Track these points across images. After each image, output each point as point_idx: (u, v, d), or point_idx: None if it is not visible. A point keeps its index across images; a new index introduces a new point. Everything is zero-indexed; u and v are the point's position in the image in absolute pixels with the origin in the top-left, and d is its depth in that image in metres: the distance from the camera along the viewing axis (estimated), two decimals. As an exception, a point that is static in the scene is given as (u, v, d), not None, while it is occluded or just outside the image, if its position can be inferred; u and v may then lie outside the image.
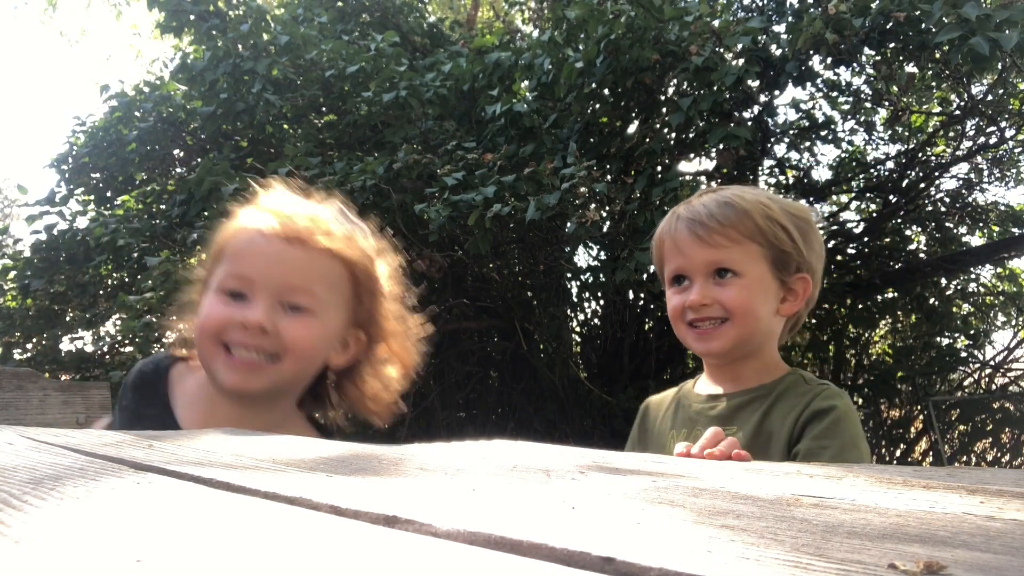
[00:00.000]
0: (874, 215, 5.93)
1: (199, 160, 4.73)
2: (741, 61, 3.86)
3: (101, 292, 4.99)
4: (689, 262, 1.35)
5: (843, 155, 5.78)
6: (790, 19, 4.31)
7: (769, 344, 1.37)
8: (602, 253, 4.97)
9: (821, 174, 5.93)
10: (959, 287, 6.38)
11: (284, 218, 1.25)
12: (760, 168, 5.08)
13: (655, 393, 1.54)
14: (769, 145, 4.91)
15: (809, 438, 1.22)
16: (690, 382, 1.49)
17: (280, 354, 1.20)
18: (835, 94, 4.87)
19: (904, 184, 5.47)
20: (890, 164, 5.66)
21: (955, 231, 5.99)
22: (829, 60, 3.95)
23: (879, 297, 6.10)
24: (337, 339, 1.28)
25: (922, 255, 5.97)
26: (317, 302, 1.23)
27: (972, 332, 6.31)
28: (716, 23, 3.86)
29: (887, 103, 4.81)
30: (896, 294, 6.10)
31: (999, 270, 6.34)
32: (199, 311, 1.26)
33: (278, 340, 1.20)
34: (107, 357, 4.90)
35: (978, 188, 5.85)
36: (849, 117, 5.27)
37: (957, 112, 5.10)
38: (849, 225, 6.00)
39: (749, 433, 1.27)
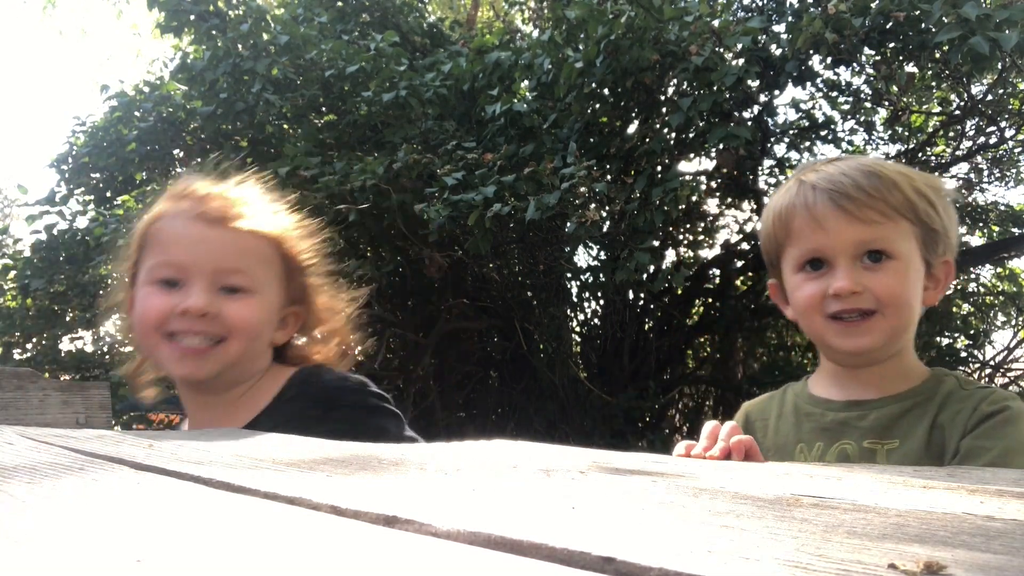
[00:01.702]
0: (874, 215, 5.93)
1: (199, 160, 4.73)
2: (741, 61, 3.86)
3: (101, 292, 4.99)
4: (835, 240, 1.12)
5: (843, 155, 5.78)
6: (790, 19, 4.31)
7: (910, 342, 1.19)
8: (602, 253, 4.97)
9: (821, 174, 5.93)
10: (959, 287, 6.38)
11: (204, 201, 1.23)
12: (760, 168, 5.08)
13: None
14: (769, 145, 4.91)
15: (971, 437, 1.07)
16: (798, 384, 1.28)
17: (225, 336, 1.20)
18: (835, 94, 4.87)
19: (904, 184, 5.47)
20: (890, 164, 5.66)
21: (955, 231, 5.99)
22: (829, 60, 3.95)
23: (879, 297, 6.09)
24: (276, 317, 1.28)
25: (922, 255, 5.97)
26: (253, 281, 1.22)
27: (972, 332, 6.32)
28: (716, 23, 3.86)
29: (887, 103, 4.81)
30: (896, 294, 6.10)
31: (999, 270, 6.34)
32: (134, 307, 1.24)
33: (221, 323, 1.19)
34: (107, 357, 4.91)
35: (978, 188, 5.86)
36: (849, 117, 5.28)
37: (957, 112, 5.10)
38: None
39: (918, 447, 1.11)
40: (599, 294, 5.38)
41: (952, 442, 1.09)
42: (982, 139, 5.26)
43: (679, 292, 5.31)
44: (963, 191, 5.83)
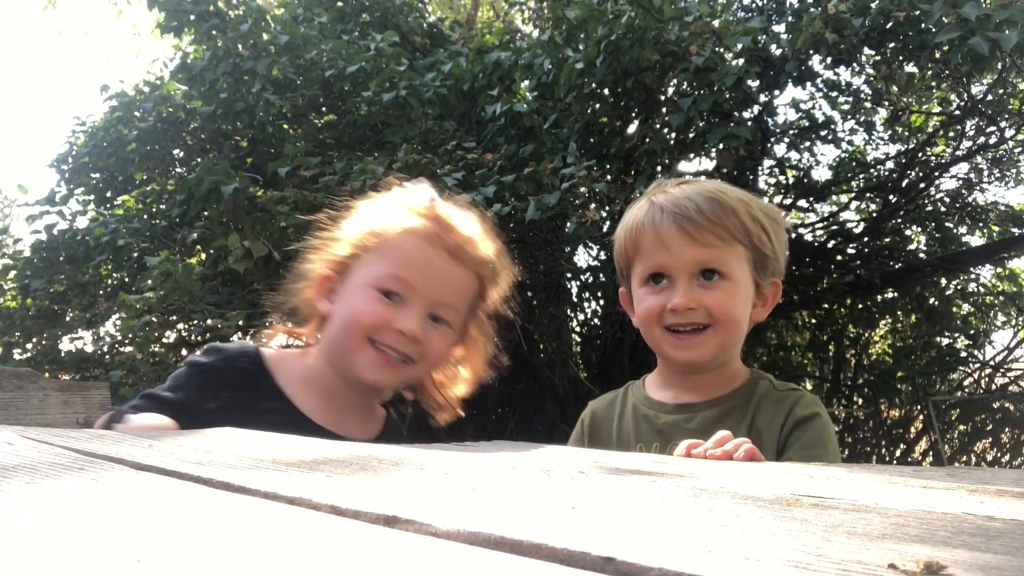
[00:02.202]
0: (874, 215, 5.93)
1: (199, 160, 4.73)
2: (741, 61, 3.86)
3: (101, 292, 4.99)
4: (675, 260, 1.23)
5: (843, 155, 5.78)
6: (790, 19, 4.31)
7: (736, 353, 1.30)
8: (602, 253, 4.97)
9: (821, 174, 5.94)
10: (959, 287, 6.38)
11: (450, 231, 1.27)
12: (760, 168, 5.08)
13: None
14: (769, 145, 4.91)
15: (798, 447, 1.18)
16: (637, 385, 1.39)
17: (416, 360, 1.24)
18: (835, 94, 4.87)
19: (904, 184, 5.47)
20: (890, 164, 5.66)
21: (955, 231, 6.00)
22: (829, 60, 3.94)
23: (879, 297, 6.10)
24: None
25: (922, 255, 5.98)
26: (457, 317, 1.28)
27: (972, 332, 6.32)
28: (716, 23, 3.86)
29: (887, 103, 4.81)
30: (896, 294, 6.10)
31: (999, 270, 6.34)
32: (348, 303, 1.25)
33: (421, 349, 1.23)
34: (107, 357, 4.90)
35: (978, 188, 5.86)
36: (849, 117, 5.27)
37: (957, 112, 5.09)
38: (849, 225, 6.01)
39: None
40: (599, 294, 5.38)
41: (770, 444, 1.19)
42: (982, 139, 5.26)
43: (679, 292, 5.31)
44: (963, 191, 5.83)
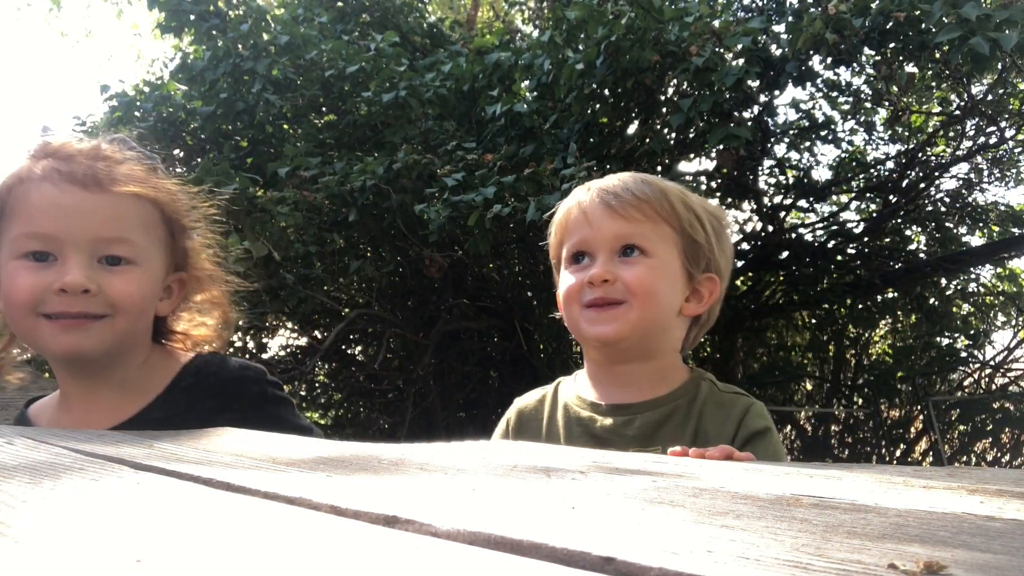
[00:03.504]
0: (874, 215, 5.94)
1: (199, 160, 4.73)
2: (741, 61, 3.86)
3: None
4: (596, 234, 1.19)
5: (843, 155, 5.78)
6: (790, 19, 4.31)
7: (670, 348, 1.24)
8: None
9: (821, 174, 5.95)
10: (959, 287, 6.39)
11: (73, 160, 1.08)
12: (760, 168, 5.08)
13: None
14: (769, 145, 4.91)
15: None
16: (568, 381, 1.31)
17: (108, 315, 1.07)
18: (835, 94, 4.87)
19: (904, 184, 5.48)
20: (890, 164, 5.66)
21: (955, 231, 6.00)
22: (829, 60, 3.95)
23: (879, 297, 6.11)
24: (161, 286, 1.16)
25: (922, 255, 5.98)
26: (137, 251, 1.09)
27: (972, 332, 6.32)
28: (716, 23, 3.86)
29: (887, 103, 4.81)
30: (896, 294, 6.11)
31: (999, 270, 6.35)
32: (2, 290, 1.07)
33: (103, 300, 1.06)
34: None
35: (978, 188, 5.86)
36: (849, 117, 5.28)
37: (957, 112, 5.10)
38: (849, 225, 6.02)
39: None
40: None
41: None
42: (982, 139, 5.26)
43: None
44: (963, 191, 5.83)
